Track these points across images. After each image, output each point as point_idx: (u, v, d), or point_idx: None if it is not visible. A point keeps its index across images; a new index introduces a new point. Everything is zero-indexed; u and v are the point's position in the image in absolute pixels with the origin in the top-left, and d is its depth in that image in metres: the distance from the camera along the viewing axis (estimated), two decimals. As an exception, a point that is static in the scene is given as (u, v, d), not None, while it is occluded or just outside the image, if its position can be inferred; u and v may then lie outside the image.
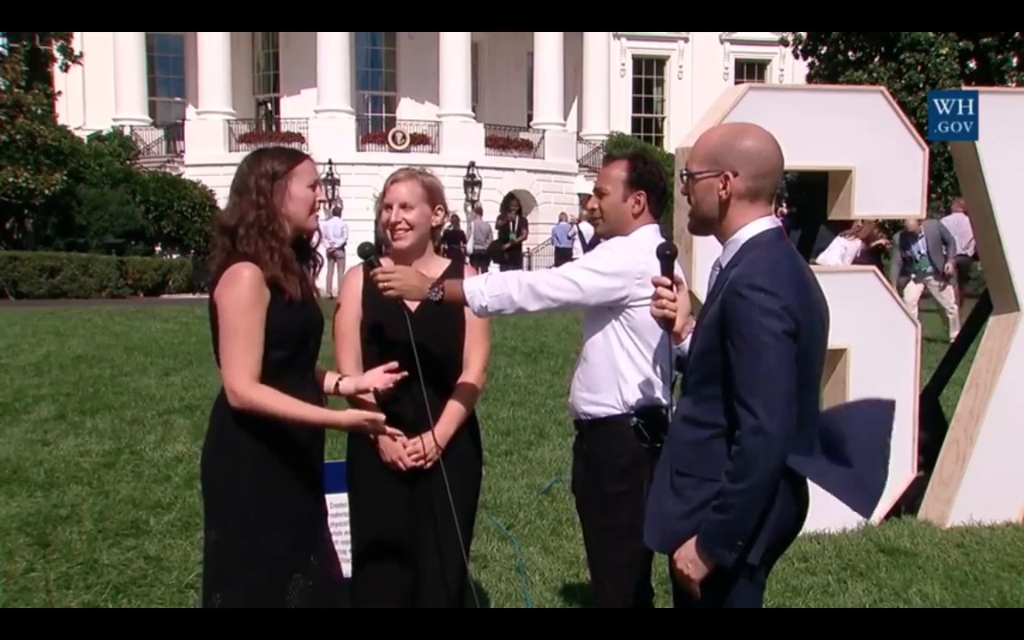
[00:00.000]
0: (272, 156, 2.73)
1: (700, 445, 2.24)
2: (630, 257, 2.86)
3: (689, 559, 2.22)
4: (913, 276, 12.09)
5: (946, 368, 5.88)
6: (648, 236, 2.92)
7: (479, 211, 22.35)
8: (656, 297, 2.51)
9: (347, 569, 3.47)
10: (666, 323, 2.52)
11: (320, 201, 2.78)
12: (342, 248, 21.10)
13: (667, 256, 2.53)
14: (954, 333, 11.37)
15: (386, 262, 2.96)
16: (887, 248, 13.36)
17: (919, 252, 12.04)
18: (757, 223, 2.27)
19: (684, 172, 2.37)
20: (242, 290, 2.58)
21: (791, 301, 2.14)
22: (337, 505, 4.03)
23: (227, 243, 2.67)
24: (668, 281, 2.51)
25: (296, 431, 2.68)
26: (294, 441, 2.69)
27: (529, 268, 22.62)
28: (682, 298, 2.52)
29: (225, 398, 2.63)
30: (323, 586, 2.74)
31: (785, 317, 2.12)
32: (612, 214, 2.98)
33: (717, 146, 2.30)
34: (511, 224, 19.84)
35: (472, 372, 3.03)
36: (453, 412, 2.98)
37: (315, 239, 2.82)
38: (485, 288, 2.78)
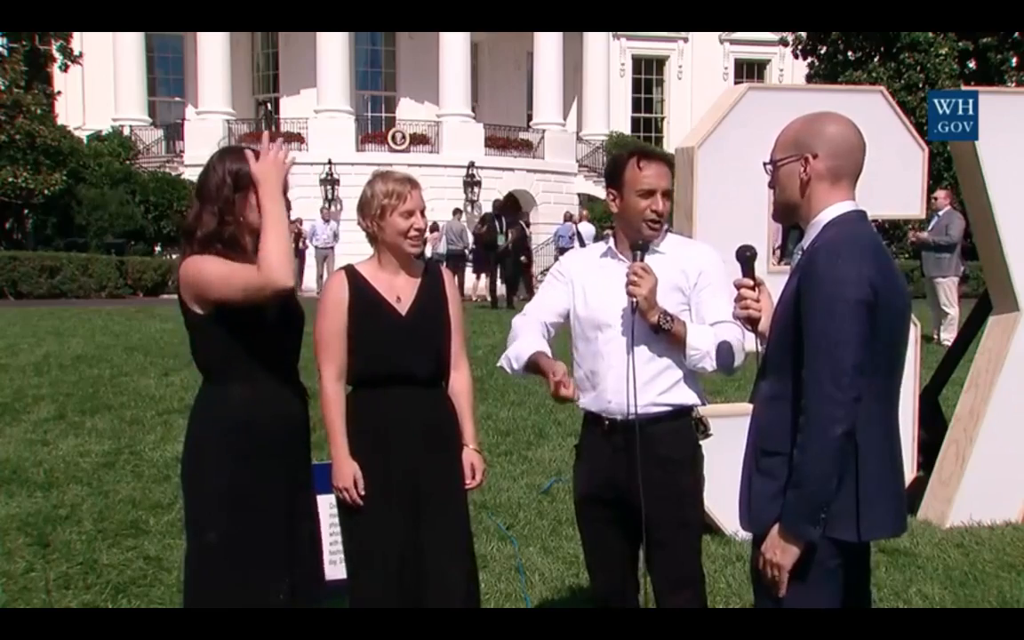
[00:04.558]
0: (235, 159, 2.66)
1: (785, 421, 2.21)
2: None
3: (777, 546, 2.21)
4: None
5: (946, 368, 5.88)
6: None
7: (455, 211, 22.34)
8: (740, 298, 2.55)
9: (334, 571, 3.45)
10: (751, 323, 2.55)
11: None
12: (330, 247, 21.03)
13: (747, 258, 2.56)
14: (946, 336, 11.00)
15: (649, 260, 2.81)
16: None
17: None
18: (839, 206, 2.29)
19: (767, 162, 2.41)
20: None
21: (870, 272, 2.13)
22: (329, 506, 4.02)
23: (185, 247, 2.65)
24: (751, 282, 2.55)
25: (275, 433, 2.67)
26: (272, 445, 2.67)
27: (528, 267, 22.41)
28: (764, 298, 2.55)
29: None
30: (301, 597, 2.71)
31: (862, 285, 2.11)
32: (665, 217, 2.91)
33: (797, 131, 2.35)
34: (499, 229, 19.68)
35: (464, 372, 3.13)
36: (469, 415, 3.12)
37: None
38: (711, 351, 2.78)
